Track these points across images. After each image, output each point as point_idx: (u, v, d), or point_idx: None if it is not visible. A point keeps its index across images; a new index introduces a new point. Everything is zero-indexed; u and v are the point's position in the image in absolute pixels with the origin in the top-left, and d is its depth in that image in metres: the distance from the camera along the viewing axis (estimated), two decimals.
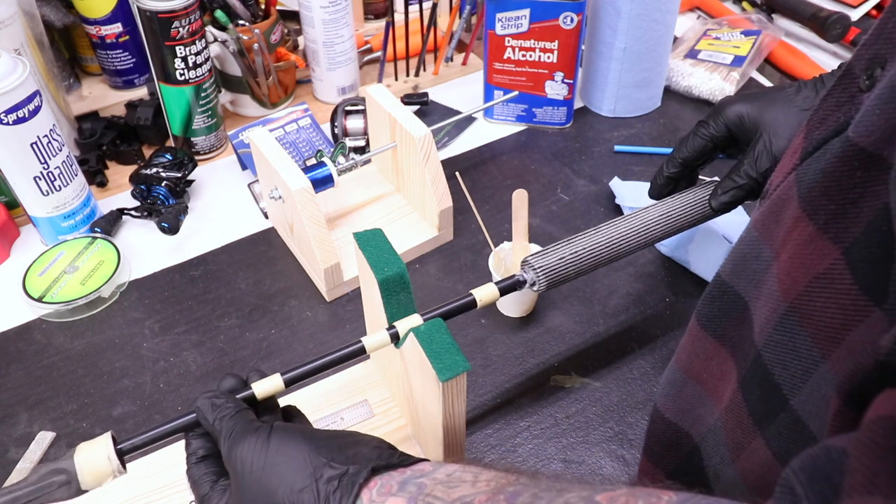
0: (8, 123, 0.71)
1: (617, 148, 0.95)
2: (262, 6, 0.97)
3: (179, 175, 0.87)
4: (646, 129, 0.98)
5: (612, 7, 0.91)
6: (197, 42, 0.86)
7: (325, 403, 0.66)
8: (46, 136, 0.75)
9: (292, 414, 0.52)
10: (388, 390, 0.67)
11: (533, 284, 0.60)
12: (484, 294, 0.56)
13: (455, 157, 0.95)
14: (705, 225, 0.70)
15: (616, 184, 0.86)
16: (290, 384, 0.50)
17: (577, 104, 1.02)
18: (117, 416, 0.67)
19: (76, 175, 0.81)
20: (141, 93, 1.01)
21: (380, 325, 0.55)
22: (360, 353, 0.52)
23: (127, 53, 1.00)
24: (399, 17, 1.04)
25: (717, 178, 0.65)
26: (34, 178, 0.76)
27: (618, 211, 0.86)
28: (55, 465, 0.44)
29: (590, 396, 0.67)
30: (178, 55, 0.85)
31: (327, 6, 0.95)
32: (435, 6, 1.04)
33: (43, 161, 0.76)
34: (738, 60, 1.03)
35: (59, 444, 0.64)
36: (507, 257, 0.74)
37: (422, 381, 0.53)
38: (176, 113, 0.91)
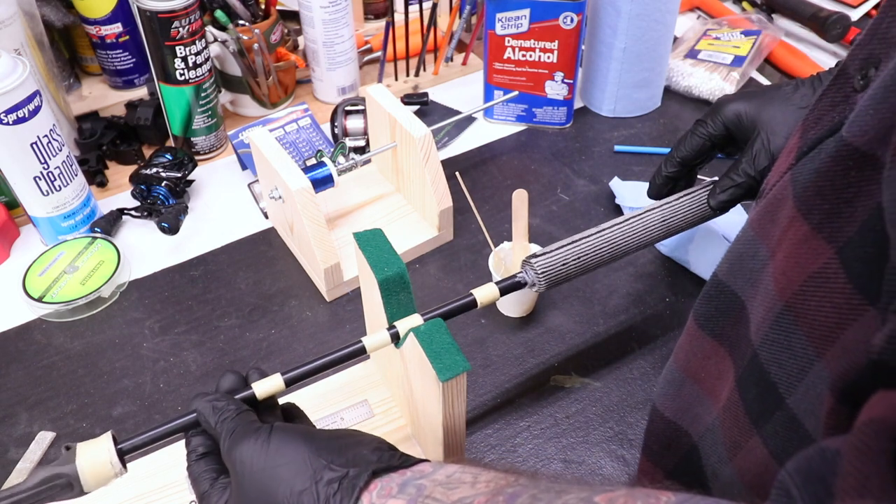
0: (8, 123, 0.71)
1: (617, 148, 0.95)
2: (262, 6, 0.97)
3: (179, 175, 0.87)
4: (646, 129, 0.98)
5: (612, 7, 0.91)
6: (197, 42, 0.86)
7: (325, 403, 0.66)
8: (46, 136, 0.75)
9: (293, 413, 0.52)
10: (388, 390, 0.67)
11: (533, 284, 0.60)
12: (484, 294, 0.56)
13: (455, 157, 0.95)
14: (705, 225, 0.70)
15: (616, 184, 0.86)
16: (291, 384, 0.50)
17: (577, 104, 1.02)
18: (117, 416, 0.67)
19: (76, 175, 0.81)
20: (141, 93, 1.01)
21: (380, 325, 0.55)
22: (361, 353, 0.52)
23: (127, 53, 1.00)
24: (399, 17, 1.04)
25: (716, 178, 0.65)
26: (34, 178, 0.76)
27: (618, 211, 0.86)
28: (57, 470, 0.44)
29: (590, 396, 0.67)
30: (178, 55, 0.85)
31: (327, 6, 0.95)
32: (435, 6, 1.04)
33: (43, 161, 0.76)
34: (738, 60, 1.03)
35: (59, 444, 0.64)
36: (507, 257, 0.74)
37: (422, 381, 0.53)
38: (176, 113, 0.91)
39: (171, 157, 0.88)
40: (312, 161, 0.84)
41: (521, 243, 0.72)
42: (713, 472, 0.45)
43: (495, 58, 0.94)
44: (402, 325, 0.53)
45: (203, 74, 0.88)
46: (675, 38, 1.10)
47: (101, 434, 0.47)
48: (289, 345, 0.73)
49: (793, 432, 0.36)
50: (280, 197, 0.75)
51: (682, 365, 0.48)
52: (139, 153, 0.94)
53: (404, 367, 0.57)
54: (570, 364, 0.70)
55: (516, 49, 0.92)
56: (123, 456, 0.46)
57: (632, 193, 0.84)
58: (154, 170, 0.86)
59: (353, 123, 0.93)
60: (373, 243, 0.56)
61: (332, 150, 0.89)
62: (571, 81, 0.93)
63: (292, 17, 1.08)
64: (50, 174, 0.77)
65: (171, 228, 0.81)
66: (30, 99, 0.72)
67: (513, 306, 0.74)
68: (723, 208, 0.63)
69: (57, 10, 0.96)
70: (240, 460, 0.42)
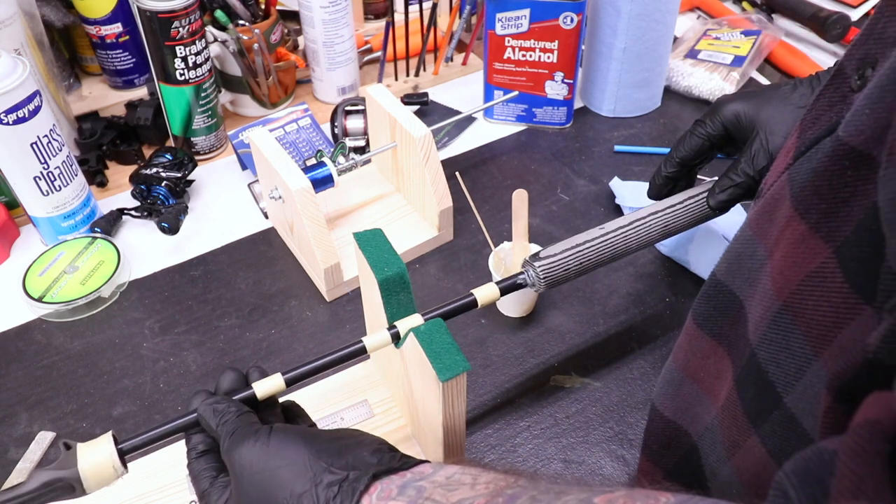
0: (8, 123, 0.71)
1: (617, 148, 0.95)
2: (262, 6, 0.97)
3: (179, 175, 0.87)
4: (646, 129, 0.98)
5: (612, 7, 0.91)
6: (197, 42, 0.86)
7: (325, 403, 0.66)
8: (46, 136, 0.75)
9: (293, 412, 0.52)
10: (388, 390, 0.67)
11: (533, 284, 0.60)
12: (484, 294, 0.56)
13: (455, 157, 0.95)
14: (705, 225, 0.70)
15: (616, 184, 0.86)
16: (291, 384, 0.50)
17: (577, 104, 1.02)
18: (117, 416, 0.67)
19: (76, 175, 0.81)
20: (141, 93, 1.01)
21: (380, 325, 0.55)
22: (361, 353, 0.52)
23: (127, 53, 1.00)
24: (399, 17, 1.04)
25: (716, 178, 0.65)
26: (34, 178, 0.76)
27: (618, 211, 0.86)
28: (59, 474, 0.44)
29: (590, 396, 0.67)
30: (178, 55, 0.85)
31: (327, 6, 0.95)
32: (435, 6, 1.04)
33: (43, 161, 0.76)
34: (738, 60, 1.03)
35: (59, 444, 0.64)
36: (507, 257, 0.74)
37: (422, 381, 0.53)
38: (176, 113, 0.91)
39: (171, 157, 0.88)
40: (312, 161, 0.84)
41: (521, 243, 0.72)
42: (712, 472, 0.45)
43: (495, 58, 0.94)
44: (403, 325, 0.53)
45: (203, 74, 0.88)
46: (675, 38, 1.10)
47: (101, 434, 0.47)
48: (289, 345, 0.73)
49: (791, 431, 0.36)
50: (280, 197, 0.75)
51: (681, 364, 0.48)
52: (139, 153, 0.94)
53: (404, 367, 0.57)
54: (570, 364, 0.70)
55: (516, 49, 0.92)
56: (124, 456, 0.46)
57: (632, 193, 0.84)
58: (154, 170, 0.86)
59: (353, 123, 0.93)
60: (373, 243, 0.56)
61: (332, 150, 0.89)
62: (571, 81, 0.93)
63: (292, 17, 1.08)
64: (50, 174, 0.77)
65: (171, 228, 0.81)
66: (30, 99, 0.72)
67: (513, 306, 0.74)
68: (722, 208, 0.63)
69: (57, 10, 0.96)
70: (239, 462, 0.42)
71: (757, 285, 0.39)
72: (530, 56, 0.92)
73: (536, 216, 0.85)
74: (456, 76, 1.09)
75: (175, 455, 0.62)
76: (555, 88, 0.94)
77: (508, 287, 0.58)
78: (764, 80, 1.06)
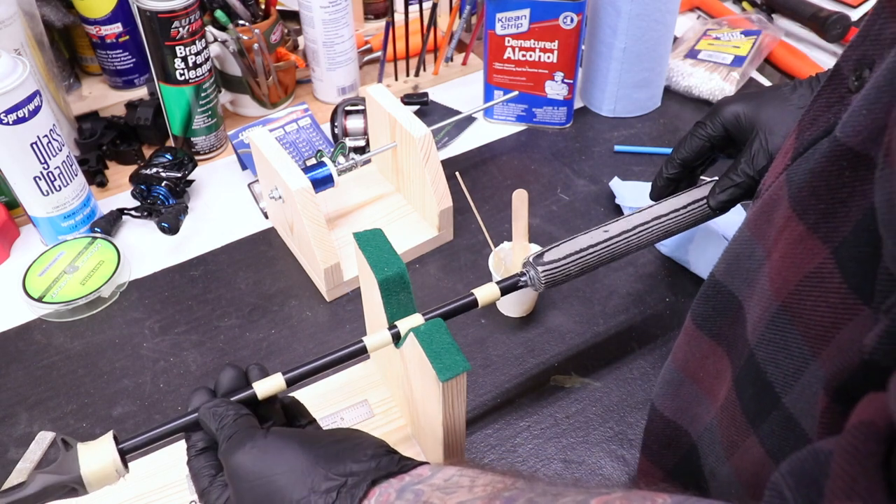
0: (8, 123, 0.71)
1: (617, 148, 0.95)
2: (262, 6, 0.97)
3: (179, 175, 0.87)
4: (646, 129, 0.98)
5: (612, 7, 0.91)
6: (197, 42, 0.86)
7: (325, 403, 0.66)
8: (46, 136, 0.75)
9: (294, 410, 0.51)
10: (388, 390, 0.67)
11: (534, 284, 0.60)
12: (485, 293, 0.56)
13: (455, 157, 0.95)
14: (705, 225, 0.70)
15: (616, 184, 0.86)
16: (292, 384, 0.50)
17: (577, 104, 1.02)
18: (117, 416, 0.67)
19: (76, 175, 0.81)
20: (141, 93, 1.01)
21: (380, 325, 0.55)
22: (362, 353, 0.52)
23: (127, 53, 1.00)
24: (399, 17, 1.04)
25: (716, 178, 0.65)
26: (34, 178, 0.76)
27: (618, 211, 0.86)
28: (60, 478, 0.44)
29: (590, 396, 0.67)
30: (178, 55, 0.85)
31: (327, 6, 0.95)
32: (435, 6, 1.04)
33: (43, 161, 0.76)
34: (738, 60, 1.03)
35: (58, 442, 0.64)
36: (507, 257, 0.74)
37: (422, 381, 0.53)
38: (176, 113, 0.91)
39: (171, 157, 0.88)
40: (312, 161, 0.84)
41: (521, 243, 0.72)
42: (711, 472, 0.45)
43: (495, 58, 0.94)
44: (404, 325, 0.53)
45: (203, 74, 0.88)
46: (675, 38, 1.10)
47: (101, 434, 0.47)
48: (289, 345, 0.73)
49: (789, 432, 0.36)
50: (280, 197, 0.75)
51: (681, 365, 0.48)
52: (139, 153, 0.94)
53: (404, 367, 0.57)
54: (570, 364, 0.70)
55: (516, 49, 0.92)
56: (125, 456, 0.46)
57: (632, 193, 0.84)
58: (154, 170, 0.86)
59: (353, 123, 0.93)
60: (373, 243, 0.56)
61: (332, 150, 0.89)
62: (571, 81, 0.93)
63: (292, 17, 1.08)
64: (50, 174, 0.77)
65: (171, 228, 0.81)
66: (30, 99, 0.72)
67: (513, 306, 0.74)
68: (722, 208, 0.63)
69: (57, 10, 0.96)
70: (236, 468, 0.42)
71: (755, 286, 0.39)
72: (530, 56, 0.92)
73: (536, 216, 0.85)
74: (456, 76, 1.09)
75: (175, 455, 0.62)
76: (555, 88, 0.94)
77: (509, 286, 0.58)
78: (764, 80, 1.06)
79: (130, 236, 0.85)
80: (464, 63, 1.11)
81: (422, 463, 0.42)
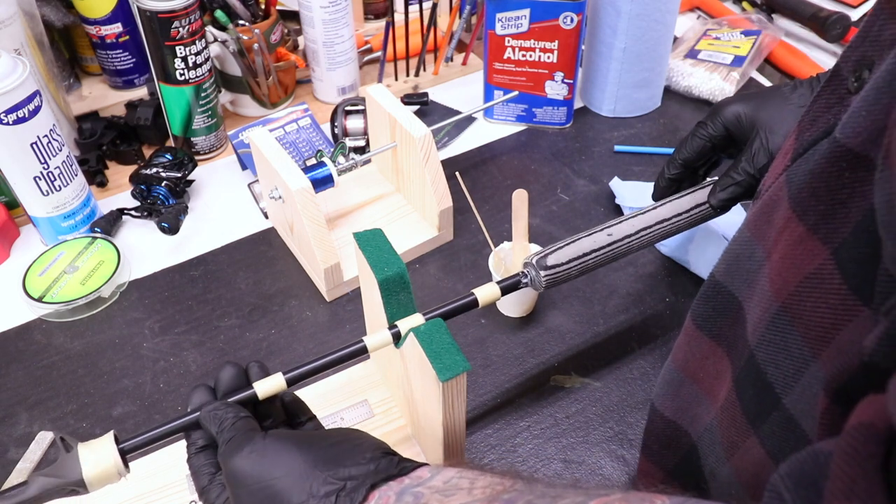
0: (8, 123, 0.71)
1: (617, 148, 0.95)
2: (262, 6, 0.97)
3: (179, 175, 0.87)
4: (646, 129, 0.98)
5: (612, 7, 0.91)
6: (197, 42, 0.86)
7: (325, 403, 0.66)
8: (46, 136, 0.75)
9: (295, 408, 0.51)
10: (388, 390, 0.67)
11: (534, 284, 0.60)
12: (485, 293, 0.56)
13: (455, 157, 0.95)
14: (705, 225, 0.70)
15: (616, 184, 0.86)
16: (293, 383, 0.50)
17: (577, 104, 1.02)
18: (117, 416, 0.67)
19: (76, 175, 0.81)
20: (141, 93, 1.01)
21: (380, 325, 0.55)
22: (362, 353, 0.52)
23: (127, 53, 1.00)
24: (399, 17, 1.04)
25: (717, 178, 0.65)
26: (34, 178, 0.76)
27: (618, 211, 0.86)
28: (60, 481, 0.44)
29: (590, 396, 0.67)
30: (178, 55, 0.85)
31: (327, 6, 0.95)
32: (435, 6, 1.04)
33: (43, 161, 0.76)
34: (738, 60, 1.03)
35: (58, 441, 0.64)
36: (507, 257, 0.74)
37: (422, 381, 0.53)
38: (176, 113, 0.91)
39: (171, 157, 0.88)
40: (312, 161, 0.84)
41: (521, 243, 0.72)
42: (711, 472, 0.45)
43: (495, 58, 0.94)
44: (404, 325, 0.53)
45: (203, 74, 0.88)
46: (675, 38, 1.10)
47: (101, 434, 0.47)
48: (289, 345, 0.73)
49: (790, 432, 0.36)
50: (280, 197, 0.75)
51: (681, 365, 0.48)
52: (139, 153, 0.94)
53: (404, 367, 0.57)
54: (570, 364, 0.70)
55: (516, 49, 0.92)
56: (125, 456, 0.46)
57: (632, 193, 0.84)
58: (154, 170, 0.86)
59: (353, 123, 0.93)
60: (373, 243, 0.56)
61: (332, 150, 0.89)
62: (571, 81, 0.93)
63: (292, 17, 1.08)
64: (50, 174, 0.77)
65: (171, 228, 0.81)
66: (30, 99, 0.72)
67: (513, 306, 0.74)
68: (723, 207, 0.64)
69: (57, 10, 0.96)
70: (234, 473, 0.42)
71: (755, 286, 0.39)
72: (530, 56, 0.92)
73: (536, 216, 0.85)
74: (456, 76, 1.09)
75: (175, 455, 0.62)
76: (555, 88, 0.94)
77: (510, 286, 0.58)
78: (764, 80, 1.06)
79: (130, 236, 0.85)
80: (464, 63, 1.11)
81: (421, 464, 0.42)
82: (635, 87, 0.97)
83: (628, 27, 0.91)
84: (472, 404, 0.67)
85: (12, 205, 0.85)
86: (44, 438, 0.65)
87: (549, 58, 0.91)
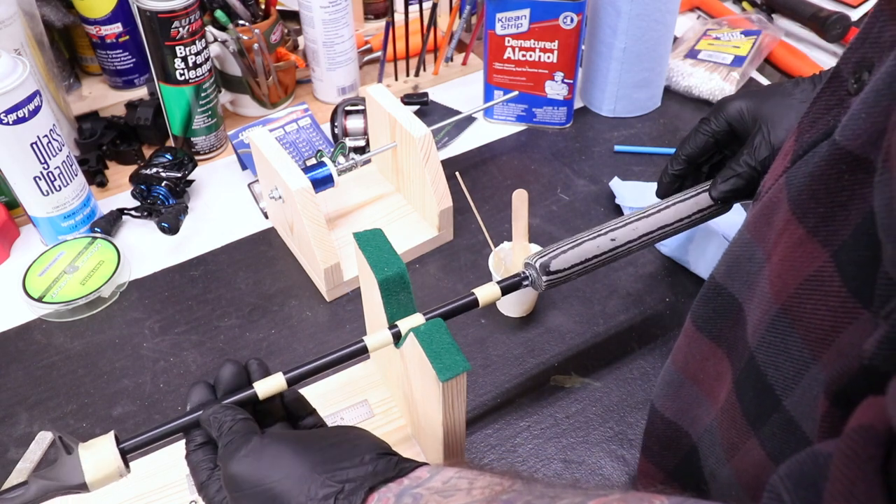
0: (8, 123, 0.71)
1: (617, 148, 0.95)
2: (262, 6, 0.97)
3: (179, 175, 0.87)
4: (646, 129, 0.98)
5: (612, 7, 0.91)
6: (197, 42, 0.86)
7: (325, 403, 0.66)
8: (46, 136, 0.75)
9: (297, 408, 0.51)
10: (388, 390, 0.67)
11: (534, 284, 0.60)
12: (486, 293, 0.56)
13: (455, 157, 0.95)
14: (705, 225, 0.70)
15: (616, 184, 0.86)
16: (293, 383, 0.50)
17: (577, 104, 1.02)
18: (117, 416, 0.67)
19: (76, 175, 0.81)
20: (141, 93, 1.01)
21: (380, 325, 0.55)
22: (363, 353, 0.52)
23: (127, 53, 1.00)
24: (399, 17, 1.04)
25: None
26: (34, 178, 0.76)
27: (618, 211, 0.86)
28: (61, 483, 0.44)
29: (590, 396, 0.67)
30: (178, 55, 0.85)
31: (327, 6, 0.95)
32: (435, 6, 1.04)
33: (43, 161, 0.76)
34: (738, 60, 1.03)
35: (57, 441, 0.64)
36: (507, 257, 0.74)
37: (422, 381, 0.53)
38: (176, 113, 0.91)
39: (171, 157, 0.88)
40: (312, 161, 0.84)
41: (521, 243, 0.72)
42: (711, 473, 0.45)
43: (495, 58, 0.94)
44: (404, 325, 0.53)
45: (203, 74, 0.88)
46: (675, 38, 1.10)
47: (101, 434, 0.47)
48: (289, 345, 0.73)
49: (790, 434, 0.36)
50: (280, 197, 0.75)
51: (681, 366, 0.48)
52: (139, 153, 0.94)
53: (404, 367, 0.57)
54: (570, 364, 0.70)
55: (516, 49, 0.92)
56: (125, 455, 0.46)
57: (632, 193, 0.84)
58: (154, 170, 0.86)
59: (353, 123, 0.93)
60: (373, 243, 0.56)
61: (332, 150, 0.89)
62: (571, 81, 0.93)
63: (292, 17, 1.08)
64: (50, 174, 0.77)
65: (171, 228, 0.81)
66: (30, 99, 0.72)
67: (513, 306, 0.74)
68: (724, 199, 0.64)
69: (57, 10, 0.96)
70: (231, 477, 0.42)
71: (756, 288, 0.39)
72: (530, 56, 0.92)
73: (536, 216, 0.85)
74: (456, 76, 1.09)
75: (175, 455, 0.62)
76: (555, 88, 0.94)
77: (510, 286, 0.58)
78: (764, 81, 1.06)
79: (130, 236, 0.85)
80: (464, 63, 1.11)
81: (420, 464, 0.42)
82: (635, 87, 0.97)
83: (628, 27, 0.91)
84: (472, 404, 0.67)
85: (12, 205, 0.85)
86: (44, 438, 0.65)
87: (549, 58, 0.91)
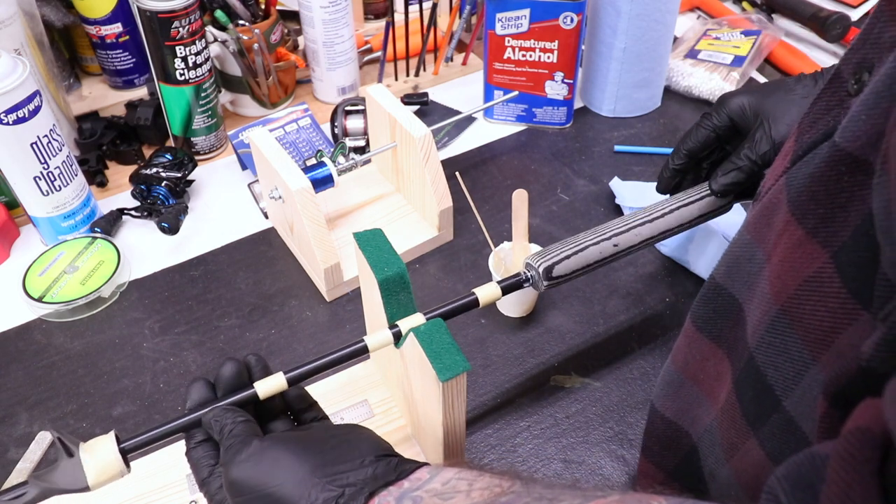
0: (8, 123, 0.71)
1: (617, 148, 0.95)
2: (262, 6, 0.97)
3: (179, 175, 0.87)
4: (646, 129, 0.98)
5: (612, 7, 0.91)
6: (197, 42, 0.86)
7: (325, 403, 0.66)
8: (46, 136, 0.75)
9: (300, 405, 0.51)
10: (388, 390, 0.67)
11: (535, 284, 0.60)
12: (486, 293, 0.56)
13: (455, 157, 0.95)
14: (705, 225, 0.70)
15: (616, 184, 0.86)
16: (294, 383, 0.50)
17: (577, 104, 1.02)
18: (117, 416, 0.67)
19: (76, 175, 0.81)
20: (141, 93, 1.01)
21: (380, 325, 0.55)
22: (363, 353, 0.52)
23: (127, 53, 1.00)
24: (399, 17, 1.04)
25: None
26: (34, 178, 0.76)
27: (618, 211, 0.86)
28: (63, 484, 0.44)
29: (590, 396, 0.67)
30: (178, 55, 0.85)
31: (327, 6, 0.95)
32: (435, 6, 1.04)
33: (43, 161, 0.76)
34: (738, 60, 1.03)
35: (56, 441, 0.64)
36: (507, 257, 0.74)
37: (422, 381, 0.53)
38: (176, 113, 0.91)
39: (171, 157, 0.88)
40: (312, 161, 0.84)
41: (521, 243, 0.72)
42: (710, 473, 0.45)
43: (495, 58, 0.94)
44: (405, 325, 0.53)
45: (203, 74, 0.88)
46: (675, 38, 1.10)
47: (100, 434, 0.47)
48: (289, 345, 0.73)
49: (790, 435, 0.36)
50: (280, 197, 0.75)
51: (681, 366, 0.48)
52: (139, 153, 0.94)
53: (404, 367, 0.57)
54: (570, 364, 0.70)
55: (516, 49, 0.92)
56: (126, 455, 0.46)
57: (632, 193, 0.84)
58: (154, 170, 0.86)
59: (353, 123, 0.93)
60: (373, 243, 0.56)
61: (332, 150, 0.89)
62: (571, 81, 0.93)
63: (292, 17, 1.08)
64: (50, 174, 0.77)
65: (171, 228, 0.81)
66: (30, 99, 0.72)
67: (513, 306, 0.74)
68: (724, 192, 0.64)
69: (57, 10, 0.96)
70: (232, 482, 0.42)
71: (755, 289, 0.39)
72: (530, 56, 0.92)
73: (536, 216, 0.85)
74: (456, 76, 1.09)
75: (175, 455, 0.62)
76: (555, 88, 0.94)
77: (510, 286, 0.58)
78: (764, 81, 1.06)
79: (130, 236, 0.85)
80: (464, 63, 1.11)
81: (420, 465, 0.42)
82: (635, 87, 0.97)
83: (628, 27, 0.91)
84: (472, 404, 0.67)
85: (12, 205, 0.85)
86: (44, 438, 0.65)
87: (549, 58, 0.91)
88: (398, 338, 0.53)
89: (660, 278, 0.78)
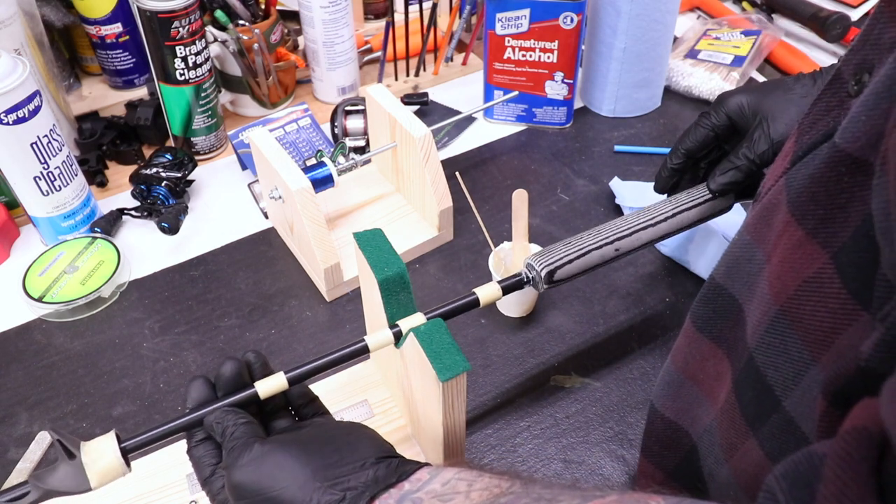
0: (8, 123, 0.71)
1: (617, 148, 0.95)
2: (262, 6, 0.97)
3: (179, 175, 0.87)
4: (646, 129, 0.98)
5: (612, 7, 0.91)
6: (197, 42, 0.86)
7: (325, 403, 0.66)
8: (46, 136, 0.75)
9: (302, 403, 0.51)
10: (388, 390, 0.67)
11: (535, 284, 0.60)
12: (487, 293, 0.56)
13: (455, 157, 0.95)
14: (705, 225, 0.70)
15: (616, 184, 0.86)
16: (294, 383, 0.50)
17: (577, 104, 1.02)
18: (117, 416, 0.67)
19: (76, 175, 0.81)
20: (141, 93, 1.01)
21: (380, 325, 0.55)
22: (363, 352, 0.52)
23: (127, 53, 1.00)
24: (399, 17, 1.04)
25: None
26: (34, 178, 0.76)
27: (618, 211, 0.86)
28: (64, 485, 0.44)
29: (590, 396, 0.67)
30: (178, 55, 0.85)
31: (327, 6, 0.95)
32: (435, 6, 1.04)
33: (43, 161, 0.76)
34: (738, 60, 1.03)
35: (56, 443, 0.64)
36: (507, 257, 0.74)
37: (422, 381, 0.53)
38: (176, 113, 0.91)
39: (171, 157, 0.88)
40: (312, 161, 0.84)
41: (521, 243, 0.72)
42: (710, 473, 0.45)
43: (495, 58, 0.94)
44: (405, 325, 0.53)
45: (203, 74, 0.88)
46: (675, 38, 1.10)
47: (100, 434, 0.47)
48: (289, 345, 0.73)
49: (789, 435, 0.36)
50: (280, 197, 0.75)
51: (681, 367, 0.48)
52: (139, 153, 0.94)
53: (404, 367, 0.57)
54: (570, 364, 0.70)
55: (516, 49, 0.92)
56: (127, 455, 0.46)
57: (632, 193, 0.84)
58: (154, 170, 0.86)
59: (353, 123, 0.93)
60: (373, 243, 0.56)
61: (332, 150, 0.89)
62: (571, 81, 0.93)
63: (292, 17, 1.08)
64: (50, 174, 0.77)
65: (171, 228, 0.81)
66: (30, 99, 0.72)
67: (513, 306, 0.74)
68: (722, 191, 0.64)
69: (57, 10, 0.96)
70: (234, 486, 0.42)
71: (755, 289, 0.39)
72: (530, 56, 0.92)
73: (536, 216, 0.85)
74: (456, 76, 1.09)
75: (175, 455, 0.62)
76: (555, 88, 0.94)
77: (511, 286, 0.58)
78: (763, 80, 1.06)
79: (130, 236, 0.85)
80: (464, 63, 1.11)
81: (421, 465, 0.42)
82: (635, 87, 0.97)
83: (628, 27, 0.91)
84: (472, 404, 0.67)
85: (12, 205, 0.85)
86: (44, 438, 0.65)
87: (549, 58, 0.91)
88: (398, 338, 0.53)
89: (660, 278, 0.78)
